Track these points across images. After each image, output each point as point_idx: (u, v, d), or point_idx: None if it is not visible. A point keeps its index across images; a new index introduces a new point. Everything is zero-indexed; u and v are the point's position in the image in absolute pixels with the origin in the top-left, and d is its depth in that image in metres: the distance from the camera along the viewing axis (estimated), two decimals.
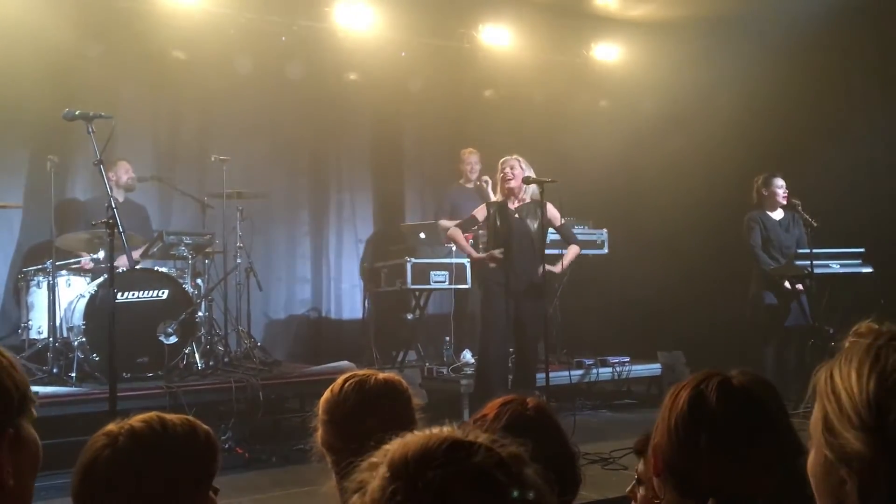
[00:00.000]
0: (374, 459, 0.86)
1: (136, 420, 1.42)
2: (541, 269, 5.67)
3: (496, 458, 0.83)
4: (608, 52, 8.77)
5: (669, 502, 1.55)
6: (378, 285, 7.57)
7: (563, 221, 6.17)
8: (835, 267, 6.44)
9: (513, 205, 5.90)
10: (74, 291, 5.90)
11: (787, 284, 6.51)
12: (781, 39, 7.15)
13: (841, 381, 0.89)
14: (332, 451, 1.88)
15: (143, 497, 1.35)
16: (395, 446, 0.85)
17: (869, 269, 6.44)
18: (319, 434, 1.92)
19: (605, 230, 7.64)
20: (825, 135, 7.31)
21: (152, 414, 1.45)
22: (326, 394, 1.95)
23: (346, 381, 1.94)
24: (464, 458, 0.82)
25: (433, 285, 7.11)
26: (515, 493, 0.82)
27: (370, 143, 8.65)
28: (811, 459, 0.92)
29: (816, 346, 6.33)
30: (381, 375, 1.97)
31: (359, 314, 8.23)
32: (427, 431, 0.88)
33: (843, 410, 0.87)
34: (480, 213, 6.05)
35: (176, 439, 1.41)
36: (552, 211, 5.96)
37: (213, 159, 6.70)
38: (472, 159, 7.55)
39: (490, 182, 7.13)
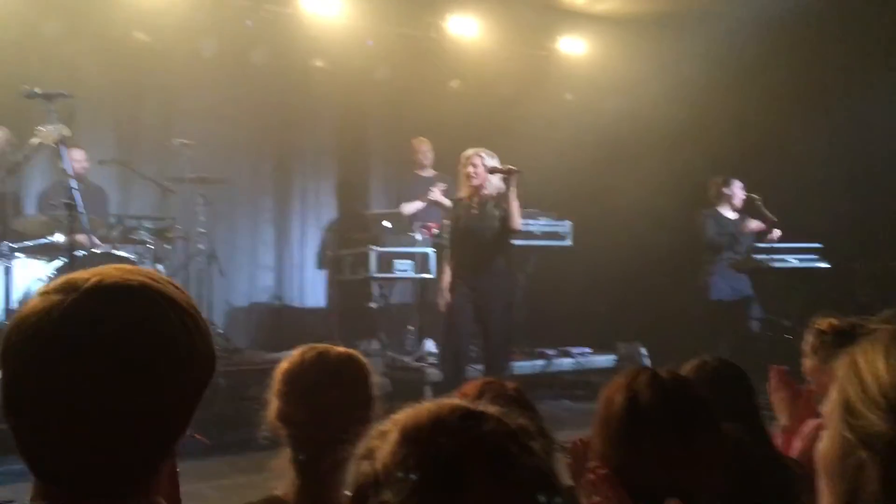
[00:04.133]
0: (383, 428, 0.88)
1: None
2: (503, 261, 5.72)
3: (507, 429, 0.85)
4: (574, 46, 8.81)
5: None
6: (341, 274, 7.53)
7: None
8: (792, 261, 6.59)
9: (475, 198, 5.89)
10: (31, 275, 5.77)
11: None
12: (744, 38, 7.26)
13: (867, 365, 0.91)
14: (289, 424, 1.85)
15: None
16: (407, 414, 0.87)
17: (826, 265, 6.60)
18: (276, 406, 1.88)
19: (569, 222, 7.70)
20: (785, 132, 7.46)
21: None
22: (285, 364, 1.91)
23: (305, 352, 1.92)
24: (475, 427, 0.84)
25: (397, 274, 7.10)
26: (525, 464, 0.83)
27: (335, 130, 8.60)
28: (824, 444, 0.93)
29: (772, 338, 6.48)
30: (339, 348, 1.95)
31: (322, 302, 8.19)
32: (438, 401, 0.90)
33: (868, 393, 0.88)
34: (439, 196, 6.06)
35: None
36: (514, 207, 5.77)
37: (175, 143, 6.61)
38: (423, 148, 7.63)
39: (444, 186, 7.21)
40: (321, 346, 1.95)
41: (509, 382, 1.99)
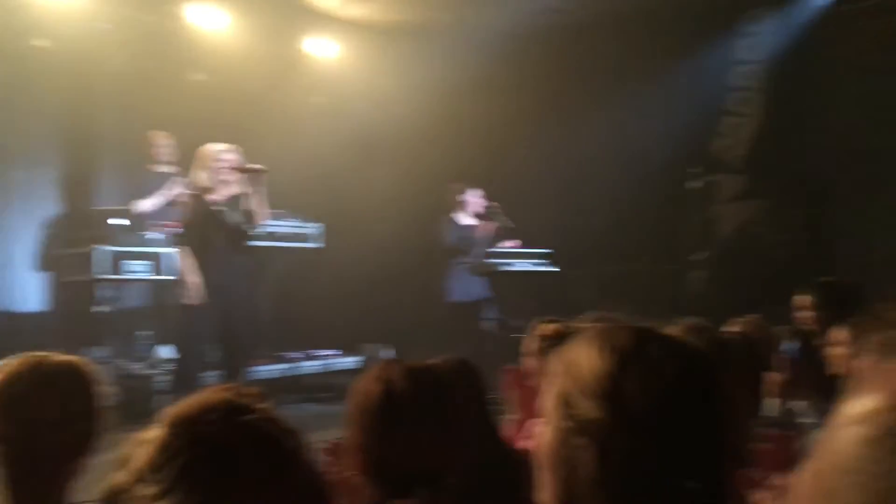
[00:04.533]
0: (142, 435, 0.85)
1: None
2: (248, 262, 5.55)
3: (274, 421, 0.86)
4: (325, 49, 8.76)
5: (374, 499, 1.55)
6: (63, 274, 6.89)
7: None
8: (524, 266, 7.10)
9: (217, 196, 5.64)
10: None
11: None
12: (489, 52, 7.70)
13: (579, 359, 0.97)
14: (2, 441, 1.67)
15: None
16: (173, 408, 0.86)
17: (555, 269, 7.18)
18: None
19: (318, 224, 7.65)
20: (522, 143, 8.01)
21: None
22: None
23: (20, 361, 1.75)
24: (241, 414, 0.84)
25: (128, 275, 6.63)
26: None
27: (60, 117, 7.82)
28: (545, 436, 0.98)
29: (503, 337, 6.90)
30: (60, 357, 1.80)
31: (41, 306, 7.42)
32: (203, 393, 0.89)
33: (581, 384, 0.94)
34: (178, 196, 5.78)
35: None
36: (260, 207, 5.67)
37: None
38: (160, 142, 7.27)
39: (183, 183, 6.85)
40: (40, 354, 1.79)
41: (251, 389, 1.91)
